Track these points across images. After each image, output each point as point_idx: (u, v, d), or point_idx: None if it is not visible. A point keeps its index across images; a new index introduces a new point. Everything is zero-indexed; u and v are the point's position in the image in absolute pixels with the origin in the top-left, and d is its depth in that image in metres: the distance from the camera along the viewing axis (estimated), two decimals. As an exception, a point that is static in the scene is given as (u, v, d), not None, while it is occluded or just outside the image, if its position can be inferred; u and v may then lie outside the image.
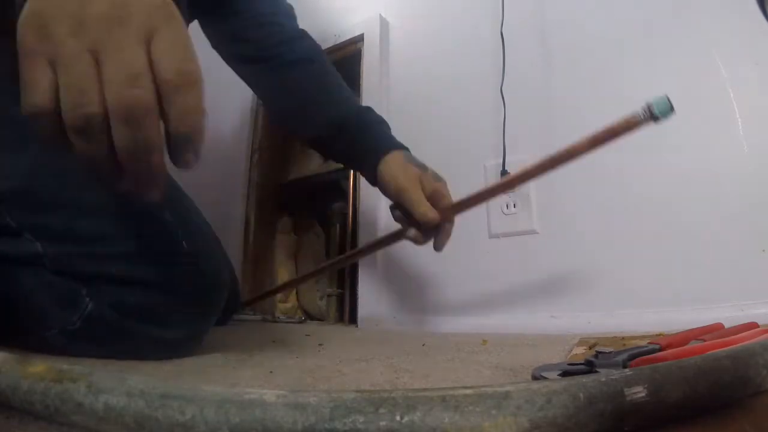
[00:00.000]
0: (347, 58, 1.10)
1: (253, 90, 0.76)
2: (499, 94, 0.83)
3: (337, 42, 1.11)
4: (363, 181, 0.99)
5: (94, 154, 0.27)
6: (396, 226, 0.63)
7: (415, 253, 0.90)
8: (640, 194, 0.69)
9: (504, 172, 0.80)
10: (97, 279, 0.43)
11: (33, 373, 0.20)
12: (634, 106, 0.73)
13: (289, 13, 0.72)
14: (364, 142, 0.65)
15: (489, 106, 0.86)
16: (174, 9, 0.29)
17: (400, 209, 0.60)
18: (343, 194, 1.08)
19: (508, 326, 0.73)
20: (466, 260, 0.83)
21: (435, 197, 0.59)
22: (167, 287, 0.45)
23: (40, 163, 0.42)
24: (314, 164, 1.19)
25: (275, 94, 0.72)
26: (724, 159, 0.64)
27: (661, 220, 0.67)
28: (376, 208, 0.96)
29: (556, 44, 0.82)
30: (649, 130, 0.71)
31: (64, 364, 0.21)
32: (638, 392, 0.18)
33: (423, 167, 0.62)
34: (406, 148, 0.66)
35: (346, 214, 1.04)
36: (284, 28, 0.70)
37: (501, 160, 0.81)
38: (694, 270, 0.63)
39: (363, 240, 0.96)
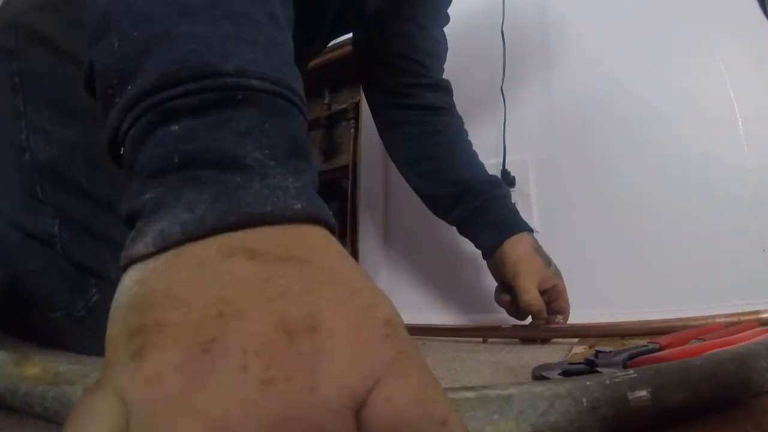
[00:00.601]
0: (347, 58, 1.10)
1: (372, 112, 0.74)
2: (500, 94, 0.83)
3: (337, 42, 1.11)
4: (363, 181, 0.99)
5: None
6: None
7: (415, 253, 0.89)
8: (641, 194, 0.69)
9: (504, 172, 0.80)
10: (103, 277, 0.42)
11: (30, 375, 0.20)
12: (633, 106, 0.73)
13: (440, 57, 0.70)
14: (490, 215, 0.63)
15: (489, 106, 0.85)
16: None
17: (510, 293, 0.60)
18: (342, 194, 1.08)
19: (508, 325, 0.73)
20: (466, 260, 0.83)
21: (552, 294, 0.59)
22: None
23: (83, 143, 0.42)
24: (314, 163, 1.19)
25: (397, 135, 0.70)
26: (724, 158, 0.64)
27: (661, 220, 0.67)
28: (376, 208, 0.96)
29: (556, 44, 0.82)
30: (649, 130, 0.71)
31: (61, 364, 0.21)
32: (642, 395, 0.18)
33: (547, 260, 0.61)
34: (532, 230, 0.64)
35: (345, 214, 1.04)
36: (429, 72, 0.68)
37: (501, 160, 0.81)
38: (695, 269, 0.63)
39: (363, 239, 0.96)
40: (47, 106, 0.42)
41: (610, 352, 0.34)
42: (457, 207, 0.64)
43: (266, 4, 0.21)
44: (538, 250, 0.62)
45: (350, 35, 1.08)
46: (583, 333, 0.62)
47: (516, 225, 0.62)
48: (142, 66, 0.18)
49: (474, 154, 0.68)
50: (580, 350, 0.51)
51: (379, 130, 0.74)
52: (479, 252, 0.81)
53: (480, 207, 0.63)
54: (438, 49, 0.69)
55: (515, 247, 0.60)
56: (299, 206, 0.16)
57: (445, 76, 0.93)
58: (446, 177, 0.65)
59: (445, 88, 0.71)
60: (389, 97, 0.69)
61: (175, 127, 0.17)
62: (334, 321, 0.13)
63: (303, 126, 0.20)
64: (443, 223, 0.88)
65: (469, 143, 0.69)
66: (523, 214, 0.79)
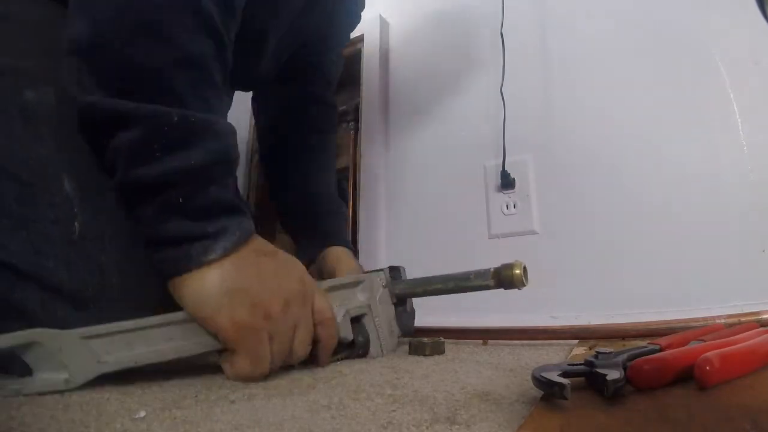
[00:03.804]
0: (347, 58, 1.10)
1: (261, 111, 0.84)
2: (499, 94, 0.83)
3: (337, 43, 1.11)
4: (363, 182, 1.00)
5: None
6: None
7: (415, 254, 0.89)
8: (640, 194, 0.69)
9: (504, 173, 0.80)
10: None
11: None
12: (633, 107, 0.73)
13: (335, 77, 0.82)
14: (320, 224, 0.70)
15: (489, 106, 0.86)
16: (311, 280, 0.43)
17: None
18: (342, 194, 1.08)
19: (508, 326, 0.73)
20: (466, 260, 0.82)
21: None
22: (41, 279, 0.35)
23: None
24: (314, 164, 1.19)
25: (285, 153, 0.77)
26: (724, 159, 0.64)
27: (661, 220, 0.67)
28: (375, 209, 0.96)
29: (556, 44, 0.82)
30: (649, 129, 0.71)
31: None
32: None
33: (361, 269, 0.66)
34: (351, 247, 0.70)
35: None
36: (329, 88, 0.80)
37: (501, 160, 0.81)
38: (694, 270, 0.63)
39: (363, 240, 0.96)
40: None
41: (611, 353, 0.34)
42: (294, 215, 0.73)
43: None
44: (354, 257, 0.68)
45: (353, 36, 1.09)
46: (584, 334, 0.62)
47: (337, 238, 0.68)
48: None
49: (328, 168, 0.77)
50: (580, 351, 0.51)
51: (265, 129, 0.82)
52: (477, 254, 0.82)
53: (315, 219, 0.70)
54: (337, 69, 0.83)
55: (334, 251, 0.66)
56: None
57: (444, 76, 0.94)
58: (300, 187, 0.73)
59: (335, 106, 0.82)
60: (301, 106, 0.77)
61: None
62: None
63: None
64: (442, 224, 0.88)
65: (333, 164, 0.79)
66: (524, 215, 0.79)
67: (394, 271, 0.56)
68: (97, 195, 0.39)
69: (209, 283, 0.35)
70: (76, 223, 0.37)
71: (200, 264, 0.35)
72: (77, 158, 0.39)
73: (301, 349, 0.40)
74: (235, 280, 0.36)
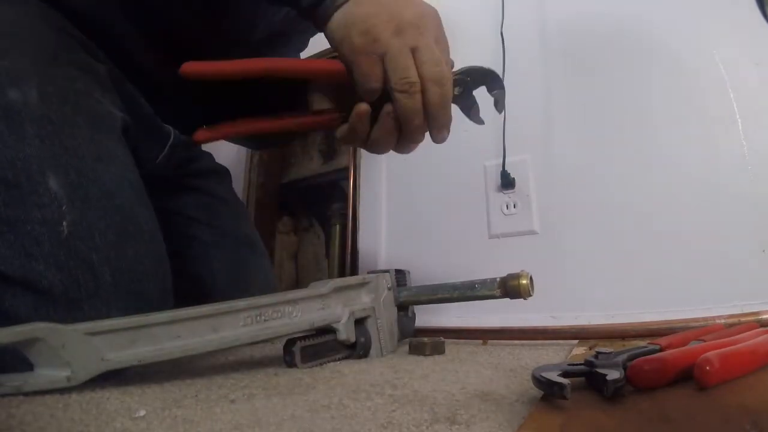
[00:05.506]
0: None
1: None
2: (499, 94, 0.83)
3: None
4: (363, 182, 0.99)
5: (414, 106, 0.44)
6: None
7: (415, 254, 0.89)
8: (641, 194, 0.69)
9: (504, 173, 0.80)
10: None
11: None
12: (633, 106, 0.73)
13: None
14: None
15: (489, 106, 0.85)
16: (439, 17, 0.48)
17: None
18: (342, 194, 1.08)
19: (508, 326, 0.73)
20: (466, 260, 0.83)
21: None
22: (31, 283, 0.34)
23: None
24: (314, 164, 1.19)
25: None
26: (724, 159, 0.64)
27: (661, 220, 0.67)
28: (376, 209, 0.96)
29: (556, 44, 0.82)
30: (649, 129, 0.71)
31: None
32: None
33: None
34: None
35: (345, 214, 1.04)
36: None
37: (501, 160, 0.81)
38: (694, 270, 0.63)
39: (363, 240, 0.96)
40: None
41: (611, 353, 0.34)
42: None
43: None
44: None
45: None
46: (584, 334, 0.62)
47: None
48: None
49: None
50: (580, 351, 0.51)
51: None
52: (477, 254, 0.82)
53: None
54: None
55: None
56: None
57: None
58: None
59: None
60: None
61: None
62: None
63: None
64: (442, 224, 0.88)
65: None
66: (523, 215, 0.79)
67: (399, 275, 0.56)
68: (85, 190, 0.39)
69: (335, 23, 0.44)
70: (64, 222, 0.36)
71: (336, 8, 0.44)
72: (63, 154, 0.39)
73: (429, 68, 0.43)
74: (353, 14, 0.43)
